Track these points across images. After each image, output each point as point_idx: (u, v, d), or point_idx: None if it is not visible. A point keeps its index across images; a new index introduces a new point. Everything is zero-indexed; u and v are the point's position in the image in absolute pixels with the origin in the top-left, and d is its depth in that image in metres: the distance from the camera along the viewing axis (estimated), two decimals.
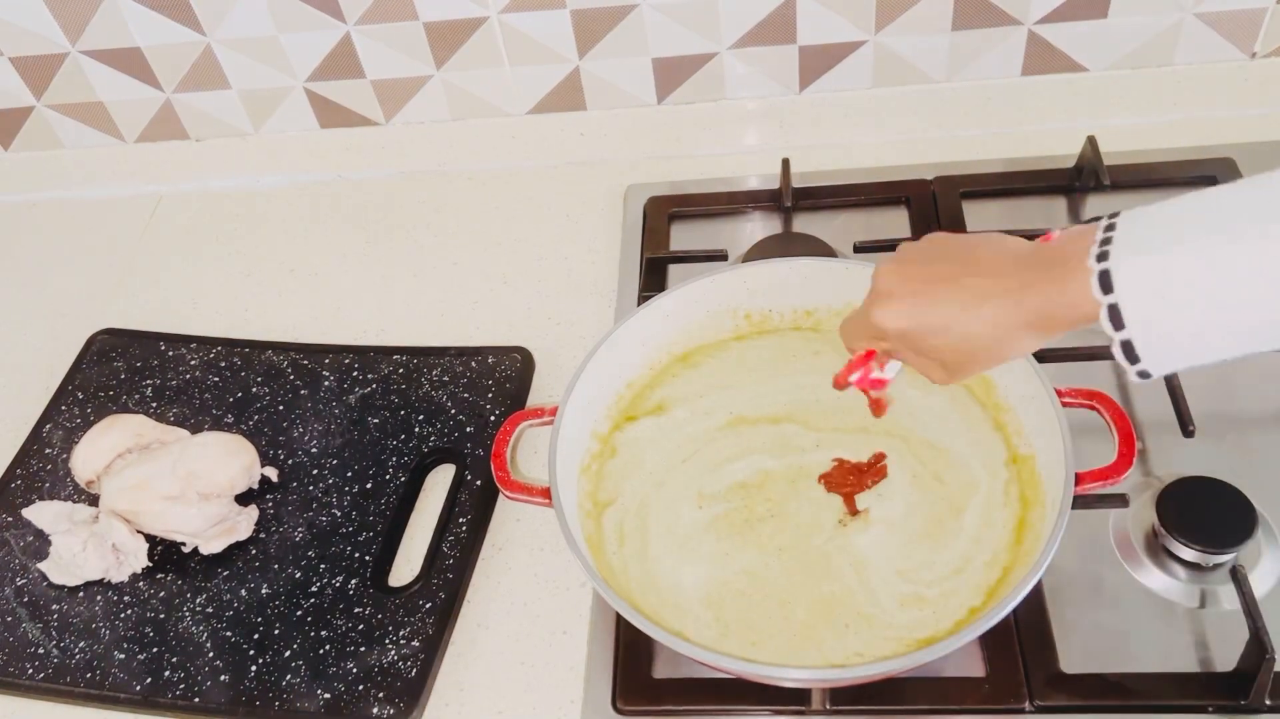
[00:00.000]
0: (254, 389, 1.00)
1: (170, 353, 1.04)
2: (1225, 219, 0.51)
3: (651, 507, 0.81)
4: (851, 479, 0.80)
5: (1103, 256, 0.53)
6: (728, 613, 0.75)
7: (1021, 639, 0.75)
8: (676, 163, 1.17)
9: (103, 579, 0.87)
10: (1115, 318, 0.52)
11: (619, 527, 0.80)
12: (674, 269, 1.04)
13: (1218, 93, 1.10)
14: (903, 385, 0.85)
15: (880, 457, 0.81)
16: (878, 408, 0.74)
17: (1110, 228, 0.54)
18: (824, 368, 0.87)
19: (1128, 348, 0.53)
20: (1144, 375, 0.54)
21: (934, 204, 1.05)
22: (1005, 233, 0.63)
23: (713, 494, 0.81)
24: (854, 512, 0.79)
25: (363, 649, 0.81)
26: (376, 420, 0.95)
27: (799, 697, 0.75)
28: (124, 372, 1.03)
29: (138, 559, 0.87)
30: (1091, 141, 1.03)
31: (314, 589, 0.85)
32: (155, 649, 0.83)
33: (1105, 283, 0.52)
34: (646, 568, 0.78)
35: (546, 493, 0.75)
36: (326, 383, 0.99)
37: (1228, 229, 0.50)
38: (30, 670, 0.83)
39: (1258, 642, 0.70)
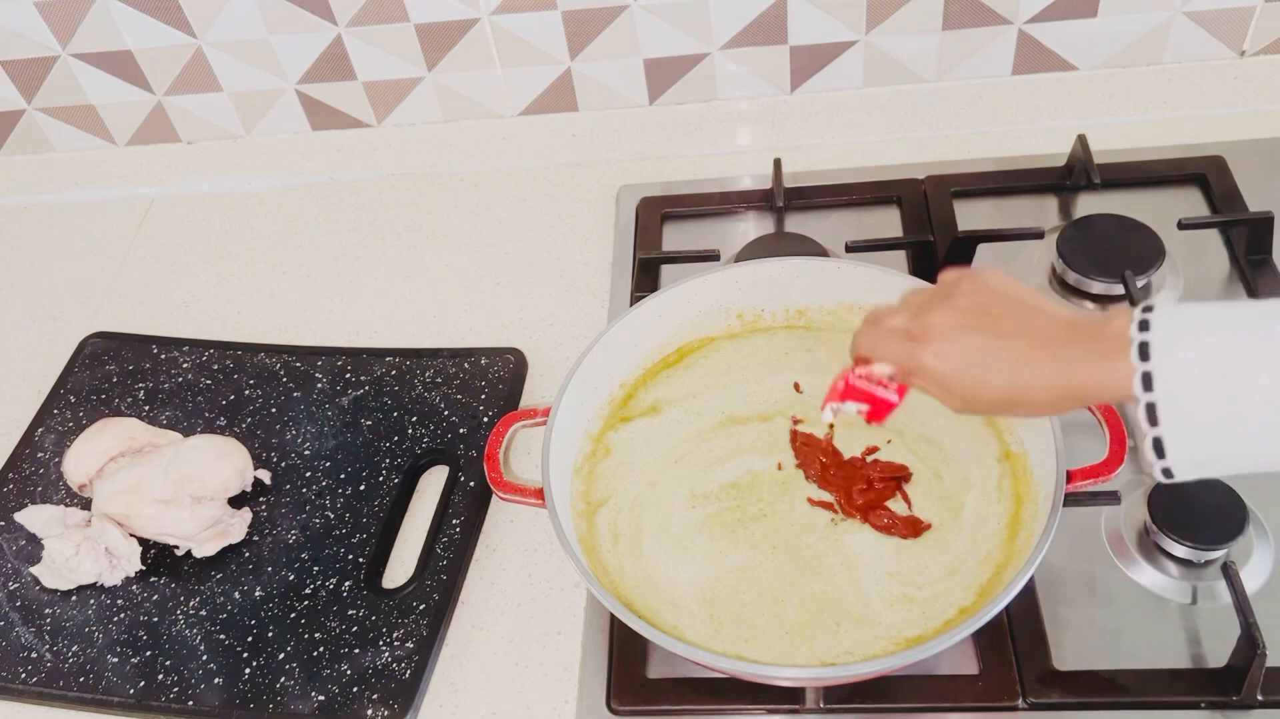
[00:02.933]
0: (246, 392, 1.00)
1: (162, 356, 1.04)
2: (1264, 315, 0.52)
3: (644, 506, 0.81)
4: (862, 490, 0.80)
5: (1144, 326, 0.54)
6: (721, 610, 0.75)
7: (1015, 636, 0.75)
8: (668, 163, 1.17)
9: (96, 583, 0.87)
10: (1147, 383, 0.53)
11: (612, 526, 0.80)
12: (666, 269, 1.04)
13: (1207, 91, 1.10)
14: None
15: (898, 470, 0.81)
16: (878, 416, 0.72)
17: (1149, 309, 0.55)
18: (817, 366, 0.88)
19: (1150, 409, 0.53)
20: (1167, 474, 0.55)
21: (925, 203, 1.05)
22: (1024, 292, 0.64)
23: (705, 494, 0.81)
24: (849, 514, 0.79)
25: (356, 651, 0.80)
26: (369, 422, 0.95)
27: (793, 695, 0.75)
28: (116, 375, 1.03)
29: (131, 563, 0.87)
30: (1082, 140, 1.04)
31: (308, 591, 0.85)
32: (149, 653, 0.83)
33: (1143, 352, 0.54)
34: (640, 567, 0.78)
35: (540, 493, 0.75)
36: (319, 385, 0.99)
37: (1267, 323, 0.52)
38: (23, 675, 0.83)
39: (1249, 637, 0.70)
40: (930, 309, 0.64)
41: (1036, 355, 0.59)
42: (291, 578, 0.86)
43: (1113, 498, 0.80)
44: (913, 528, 0.77)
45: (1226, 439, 0.53)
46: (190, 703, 0.80)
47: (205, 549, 0.88)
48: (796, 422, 0.85)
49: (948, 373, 0.62)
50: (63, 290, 1.17)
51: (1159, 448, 0.54)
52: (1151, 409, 0.53)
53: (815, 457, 0.82)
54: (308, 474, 0.93)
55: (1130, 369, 0.54)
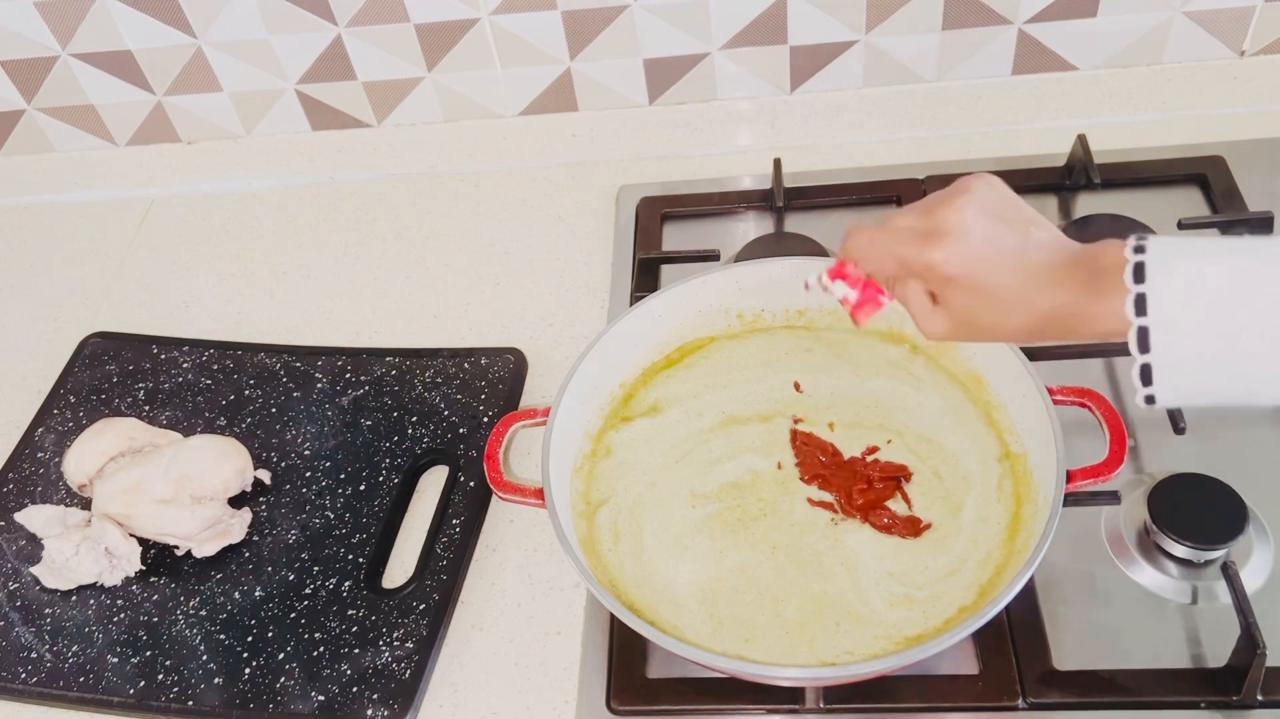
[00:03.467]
0: (246, 392, 1.00)
1: (162, 356, 1.04)
2: (1257, 245, 0.51)
3: (645, 506, 0.81)
4: (862, 490, 0.80)
5: (1139, 249, 0.53)
6: (721, 610, 0.75)
7: (1014, 636, 0.75)
8: (668, 163, 1.17)
9: (96, 583, 0.87)
10: (1140, 306, 0.52)
11: (613, 526, 0.80)
12: (666, 269, 1.04)
13: (1207, 91, 1.10)
14: (896, 382, 0.86)
15: (898, 470, 0.81)
16: (860, 310, 0.68)
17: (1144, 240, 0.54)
18: (817, 366, 0.88)
19: (1142, 335, 0.52)
20: (1150, 400, 0.53)
21: None
22: None
23: (705, 493, 0.81)
24: (849, 513, 0.79)
25: (356, 651, 0.81)
26: (369, 422, 0.95)
27: (793, 695, 0.75)
28: (116, 375, 1.03)
29: (131, 563, 0.87)
30: (1082, 140, 1.04)
31: (307, 591, 0.85)
32: (149, 653, 0.83)
33: (1138, 274, 0.52)
34: (640, 567, 0.78)
35: (540, 493, 0.75)
36: (319, 385, 0.99)
37: (1260, 252, 0.51)
38: (24, 675, 0.83)
39: (1249, 637, 0.70)
40: (943, 207, 0.60)
41: (1043, 276, 0.56)
42: (291, 578, 0.86)
43: (1113, 498, 0.80)
44: (912, 528, 0.77)
45: (1219, 370, 0.51)
46: (190, 703, 0.80)
47: (205, 549, 0.88)
48: (797, 421, 0.85)
49: (958, 277, 0.58)
50: (63, 290, 1.17)
51: (1146, 375, 0.52)
52: (1144, 334, 0.52)
53: (815, 456, 0.82)
54: (308, 474, 0.93)
55: (1123, 297, 0.52)
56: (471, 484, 0.90)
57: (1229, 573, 0.74)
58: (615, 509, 0.81)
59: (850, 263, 0.66)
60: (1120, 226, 0.97)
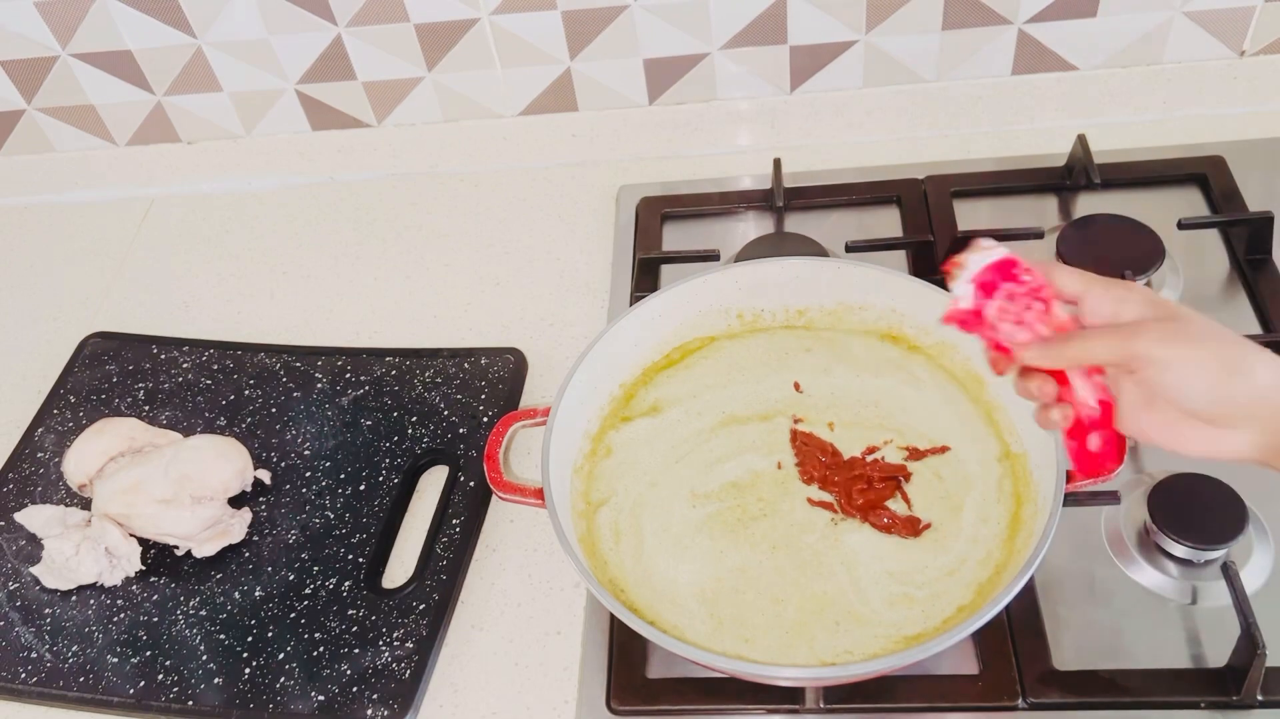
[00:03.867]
0: (246, 392, 1.00)
1: (162, 356, 1.04)
2: None
3: (645, 506, 0.81)
4: (862, 490, 0.80)
5: None
6: (721, 609, 0.75)
7: (1014, 636, 0.75)
8: (668, 163, 1.17)
9: (96, 583, 0.87)
10: None
11: (613, 526, 0.80)
12: (666, 269, 1.04)
13: (1207, 91, 1.10)
14: (895, 382, 0.86)
15: (898, 470, 0.81)
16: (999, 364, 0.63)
17: None
18: (815, 366, 0.88)
19: None
20: None
21: (925, 203, 1.05)
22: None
23: (706, 493, 0.81)
24: (849, 513, 0.79)
25: (356, 651, 0.81)
26: (369, 422, 0.95)
27: (793, 695, 0.75)
28: (116, 375, 1.03)
29: (131, 563, 0.87)
30: (1082, 140, 1.04)
31: (307, 591, 0.85)
32: (149, 653, 0.83)
33: None
34: (640, 567, 0.78)
35: (539, 493, 0.75)
36: (319, 385, 0.99)
37: None
38: (24, 675, 0.83)
39: (1249, 637, 0.70)
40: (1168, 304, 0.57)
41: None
42: (291, 578, 0.86)
43: (1112, 498, 0.80)
44: (912, 528, 0.77)
45: None
46: (190, 703, 0.80)
47: (205, 549, 0.88)
48: (797, 421, 0.85)
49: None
50: (63, 290, 1.17)
51: None
52: None
53: (815, 456, 0.82)
54: (308, 474, 0.93)
55: None
56: (471, 484, 0.90)
57: (1229, 573, 0.74)
58: (615, 509, 0.81)
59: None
60: (1121, 226, 0.97)
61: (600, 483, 0.83)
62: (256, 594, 0.85)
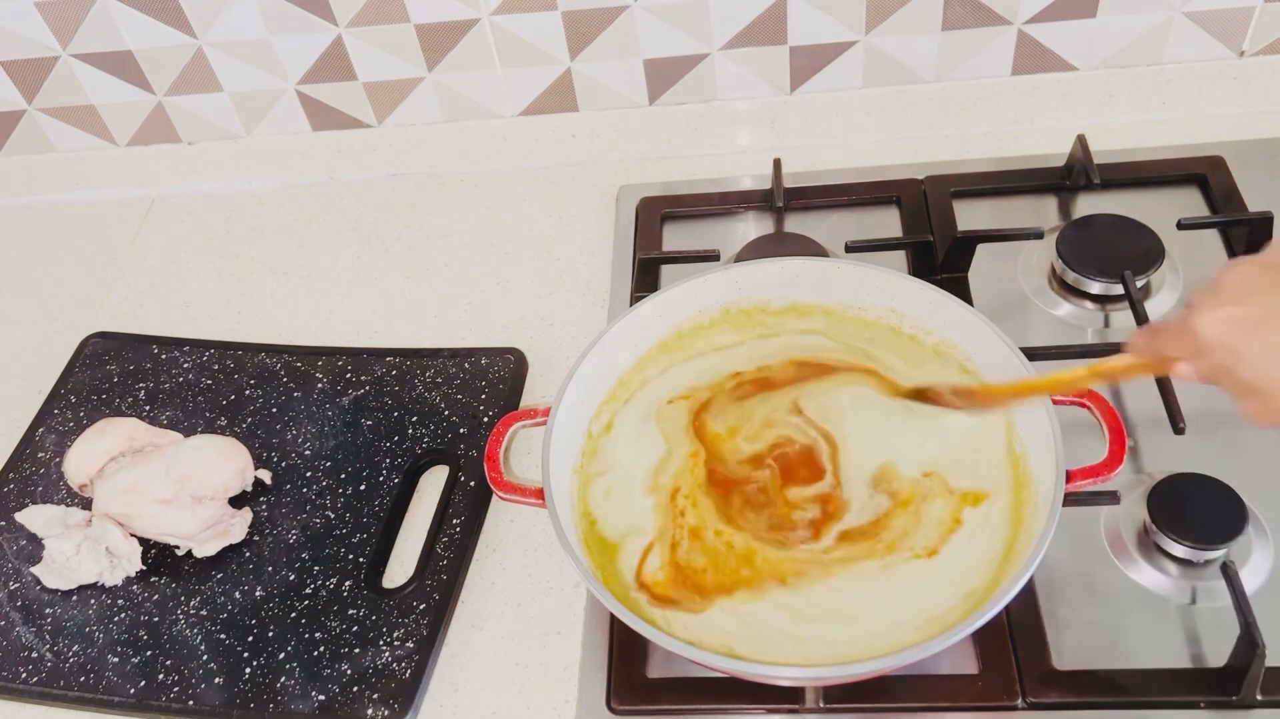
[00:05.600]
0: (247, 392, 1.00)
1: (163, 356, 1.04)
2: None
3: None
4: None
5: None
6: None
7: (1014, 636, 0.75)
8: (668, 163, 1.17)
9: (96, 583, 0.87)
10: None
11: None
12: (666, 269, 1.04)
13: (1207, 91, 1.10)
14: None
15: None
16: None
17: None
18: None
19: None
20: None
21: (925, 203, 1.06)
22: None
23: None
24: (849, 513, 0.79)
25: (357, 651, 0.81)
26: (370, 422, 0.95)
27: (792, 695, 0.75)
28: (117, 375, 1.03)
29: (131, 562, 0.87)
30: (1081, 140, 1.04)
31: (308, 591, 0.85)
32: (149, 652, 0.83)
33: None
34: None
35: (540, 493, 0.75)
36: (320, 385, 0.99)
37: None
38: (24, 674, 0.83)
39: (1248, 637, 0.70)
40: (1224, 271, 0.52)
41: None
42: (292, 578, 0.86)
43: (1112, 498, 0.80)
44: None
45: None
46: (190, 703, 0.80)
47: (206, 549, 0.88)
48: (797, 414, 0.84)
49: (1227, 342, 0.51)
50: (63, 290, 1.17)
51: None
52: None
53: (813, 456, 0.82)
54: (308, 474, 0.93)
55: None
56: (471, 484, 0.90)
57: (1228, 573, 0.74)
58: None
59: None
60: (1120, 227, 0.97)
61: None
62: (257, 594, 0.85)
